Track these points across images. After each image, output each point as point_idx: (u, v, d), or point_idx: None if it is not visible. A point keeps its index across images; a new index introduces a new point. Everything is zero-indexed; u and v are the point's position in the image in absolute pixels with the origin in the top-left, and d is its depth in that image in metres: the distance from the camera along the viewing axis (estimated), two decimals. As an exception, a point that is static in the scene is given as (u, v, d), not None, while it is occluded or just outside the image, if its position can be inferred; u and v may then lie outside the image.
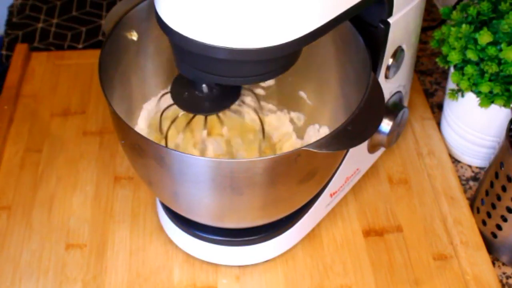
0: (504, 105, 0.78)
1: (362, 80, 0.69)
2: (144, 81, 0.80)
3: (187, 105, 0.68)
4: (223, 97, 0.68)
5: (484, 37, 0.75)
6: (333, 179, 0.77)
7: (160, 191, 0.73)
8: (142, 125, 0.80)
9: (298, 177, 0.67)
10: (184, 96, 0.68)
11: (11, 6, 1.18)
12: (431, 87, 1.01)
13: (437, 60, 0.84)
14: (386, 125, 0.78)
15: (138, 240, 0.81)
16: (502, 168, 0.74)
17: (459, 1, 0.86)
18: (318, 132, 0.82)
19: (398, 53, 0.74)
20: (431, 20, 1.11)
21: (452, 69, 0.83)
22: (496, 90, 0.77)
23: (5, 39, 1.11)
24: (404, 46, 0.75)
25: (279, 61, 0.60)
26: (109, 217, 0.83)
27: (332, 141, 0.61)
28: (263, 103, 0.85)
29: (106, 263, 0.78)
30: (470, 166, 0.91)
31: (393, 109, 0.79)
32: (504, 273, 0.79)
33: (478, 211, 0.82)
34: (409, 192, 0.86)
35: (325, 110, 0.83)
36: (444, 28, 0.82)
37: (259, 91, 0.85)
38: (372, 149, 0.82)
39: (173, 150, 0.63)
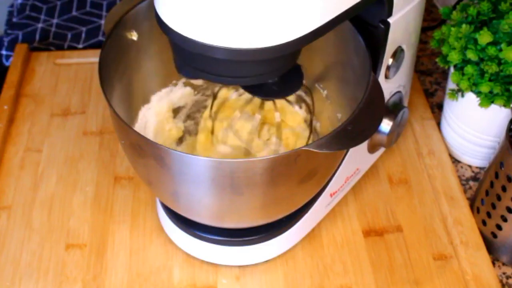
0: (504, 105, 0.78)
1: (362, 80, 0.69)
2: (144, 81, 0.80)
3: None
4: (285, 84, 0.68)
5: (484, 37, 0.75)
6: (333, 179, 0.77)
7: (160, 191, 0.73)
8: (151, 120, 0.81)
9: (298, 177, 0.67)
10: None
11: (11, 6, 1.18)
12: (431, 87, 1.01)
13: (437, 60, 0.84)
14: (386, 125, 0.78)
15: (138, 240, 0.81)
16: (502, 168, 0.74)
17: (459, 1, 0.86)
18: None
19: (398, 53, 0.74)
20: (431, 20, 1.11)
21: (452, 69, 0.83)
22: (496, 90, 0.77)
23: (5, 39, 1.11)
24: (404, 46, 0.75)
25: (279, 61, 0.60)
26: (109, 217, 0.83)
27: (332, 141, 0.61)
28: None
29: (106, 263, 0.78)
30: (470, 166, 0.91)
31: (393, 109, 0.79)
32: (504, 273, 0.79)
33: (478, 211, 0.82)
34: (409, 192, 0.86)
35: (325, 110, 0.83)
36: (444, 28, 0.82)
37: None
38: (372, 149, 0.82)
39: (173, 150, 0.63)
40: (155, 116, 0.82)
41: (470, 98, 0.82)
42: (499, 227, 0.78)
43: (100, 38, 1.10)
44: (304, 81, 0.69)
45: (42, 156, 0.90)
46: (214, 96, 0.84)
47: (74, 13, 1.15)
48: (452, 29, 0.79)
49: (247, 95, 0.83)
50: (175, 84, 0.84)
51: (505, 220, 0.76)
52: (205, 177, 0.64)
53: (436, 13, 1.12)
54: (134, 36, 0.75)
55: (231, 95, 0.84)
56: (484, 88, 0.77)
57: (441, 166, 0.89)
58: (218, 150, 0.81)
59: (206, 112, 0.84)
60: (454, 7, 0.84)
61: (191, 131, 0.86)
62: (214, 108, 0.83)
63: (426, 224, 0.82)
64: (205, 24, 0.55)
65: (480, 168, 0.90)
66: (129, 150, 0.70)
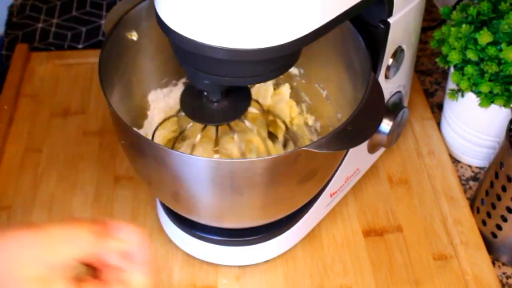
0: (504, 105, 0.78)
1: (362, 80, 0.69)
2: (144, 81, 0.80)
3: (199, 116, 0.68)
4: (233, 107, 0.69)
5: (484, 37, 0.75)
6: (333, 179, 0.77)
7: (160, 191, 0.73)
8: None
9: (298, 177, 0.67)
10: (194, 107, 0.68)
11: (11, 6, 1.18)
12: (431, 87, 1.01)
13: (437, 60, 0.84)
14: (386, 125, 0.78)
15: (138, 240, 0.81)
16: (502, 168, 0.74)
17: (459, 1, 0.86)
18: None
19: (398, 53, 0.74)
20: (431, 20, 1.11)
21: (452, 69, 0.83)
22: (496, 90, 0.77)
23: (5, 39, 1.10)
24: (404, 46, 0.75)
25: (279, 61, 0.60)
26: (109, 217, 0.83)
27: (332, 141, 0.61)
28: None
29: (106, 263, 0.78)
30: (470, 166, 0.91)
31: (393, 109, 0.79)
32: (504, 273, 0.79)
33: (478, 211, 0.82)
34: (409, 192, 0.86)
35: (325, 110, 0.83)
36: (444, 28, 0.82)
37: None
38: (372, 149, 0.82)
39: (173, 150, 0.63)
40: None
41: (470, 98, 0.82)
42: (499, 227, 0.78)
43: (100, 38, 1.10)
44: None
45: (42, 156, 0.90)
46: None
47: (74, 13, 1.15)
48: (452, 29, 0.79)
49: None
50: (175, 84, 0.84)
51: (505, 220, 0.76)
52: (205, 177, 0.64)
53: (436, 13, 1.12)
54: (134, 36, 0.75)
55: None
56: (484, 88, 0.77)
57: (441, 166, 0.89)
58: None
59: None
60: (454, 7, 0.84)
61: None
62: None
63: (426, 224, 0.82)
64: (205, 24, 0.55)
65: (480, 168, 0.90)
66: (129, 150, 0.70)
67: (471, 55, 0.77)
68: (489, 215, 0.79)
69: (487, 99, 0.79)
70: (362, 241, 0.81)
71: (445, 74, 1.03)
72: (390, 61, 0.74)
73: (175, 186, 0.68)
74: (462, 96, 0.83)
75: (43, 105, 0.97)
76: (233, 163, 0.64)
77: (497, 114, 0.81)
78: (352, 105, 0.70)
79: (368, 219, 0.83)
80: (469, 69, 0.78)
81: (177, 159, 0.63)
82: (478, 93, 0.80)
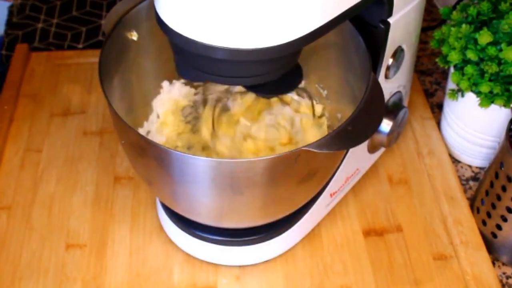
0: (504, 105, 0.78)
1: (362, 80, 0.69)
2: (144, 81, 0.80)
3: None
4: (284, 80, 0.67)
5: (484, 37, 0.75)
6: (333, 179, 0.77)
7: (160, 191, 0.73)
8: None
9: (298, 177, 0.67)
10: None
11: (11, 6, 1.18)
12: (431, 87, 1.01)
13: (437, 60, 0.84)
14: (386, 125, 0.78)
15: (138, 240, 0.81)
16: (502, 168, 0.74)
17: (459, 1, 0.86)
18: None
19: (398, 53, 0.74)
20: (431, 20, 1.11)
21: (452, 69, 0.83)
22: (496, 90, 0.77)
23: (5, 39, 1.11)
24: (404, 46, 0.75)
25: (279, 61, 0.60)
26: (109, 217, 0.83)
27: (332, 141, 0.61)
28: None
29: (106, 263, 0.78)
30: (470, 166, 0.91)
31: (393, 109, 0.79)
32: (504, 273, 0.79)
33: (478, 211, 0.82)
34: (409, 192, 0.86)
35: (325, 110, 0.83)
36: (444, 28, 0.82)
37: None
38: (372, 149, 0.82)
39: (173, 150, 0.63)
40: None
41: (470, 98, 0.82)
42: (499, 227, 0.78)
43: (100, 38, 1.10)
44: (302, 82, 0.68)
45: (42, 156, 0.90)
46: (214, 105, 0.83)
47: (74, 13, 1.15)
48: (452, 29, 0.79)
49: (245, 101, 0.83)
50: (175, 84, 0.84)
51: (505, 220, 0.76)
52: (205, 177, 0.64)
53: (436, 13, 1.12)
54: (134, 36, 0.75)
55: (228, 102, 0.83)
56: (484, 88, 0.78)
57: (441, 166, 0.89)
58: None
59: (204, 121, 0.83)
60: (454, 7, 0.84)
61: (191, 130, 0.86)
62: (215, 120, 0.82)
63: (426, 224, 0.82)
64: (205, 24, 0.55)
65: (480, 168, 0.90)
66: (129, 150, 0.70)
67: (471, 55, 0.77)
68: (489, 215, 0.79)
69: (487, 99, 0.79)
70: (362, 241, 0.81)
71: (445, 74, 1.03)
72: (390, 61, 0.74)
73: (175, 186, 0.68)
74: (462, 96, 0.83)
75: (43, 105, 0.97)
76: (233, 163, 0.64)
77: (497, 114, 0.81)
78: (352, 105, 0.70)
79: (368, 219, 0.83)
80: (469, 69, 0.78)
81: (177, 159, 0.63)
82: (478, 93, 0.80)
